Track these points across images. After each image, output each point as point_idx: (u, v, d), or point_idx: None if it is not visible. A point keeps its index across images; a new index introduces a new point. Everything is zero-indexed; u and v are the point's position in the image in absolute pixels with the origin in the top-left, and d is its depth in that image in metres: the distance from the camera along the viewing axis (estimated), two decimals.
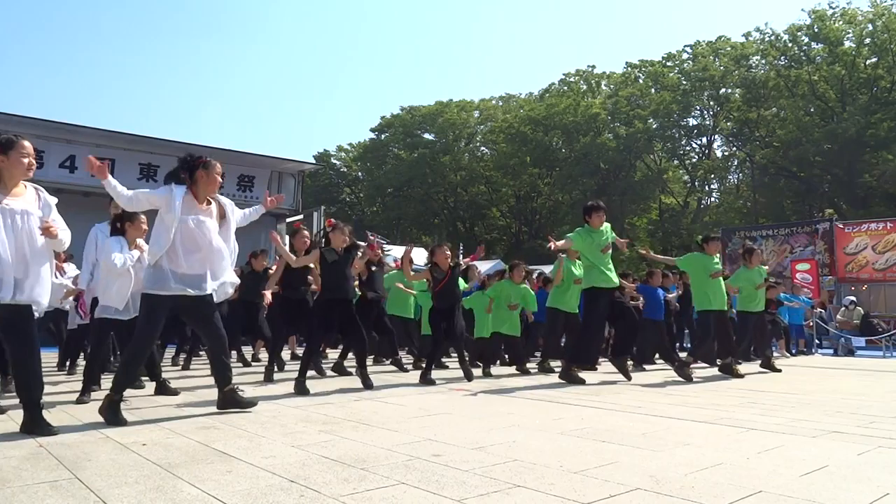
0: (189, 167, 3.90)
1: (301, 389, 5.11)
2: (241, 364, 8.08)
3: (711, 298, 6.93)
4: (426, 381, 5.91)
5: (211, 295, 3.97)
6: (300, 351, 9.61)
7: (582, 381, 6.06)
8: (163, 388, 4.96)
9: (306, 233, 6.78)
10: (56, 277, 4.31)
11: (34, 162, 3.39)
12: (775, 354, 10.32)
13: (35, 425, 3.30)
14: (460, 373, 6.44)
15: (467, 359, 6.62)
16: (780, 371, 7.67)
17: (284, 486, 2.38)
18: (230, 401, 4.08)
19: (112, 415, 3.64)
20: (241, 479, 2.47)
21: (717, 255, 7.20)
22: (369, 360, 6.71)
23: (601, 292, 6.26)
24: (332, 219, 6.14)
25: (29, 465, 2.66)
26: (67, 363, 6.77)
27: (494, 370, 7.19)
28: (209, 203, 4.01)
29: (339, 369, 6.67)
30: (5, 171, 3.28)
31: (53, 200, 3.49)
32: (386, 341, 7.97)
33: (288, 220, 15.19)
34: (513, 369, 7.43)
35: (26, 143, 3.35)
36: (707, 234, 7.44)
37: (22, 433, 3.28)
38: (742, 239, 19.51)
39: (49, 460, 2.76)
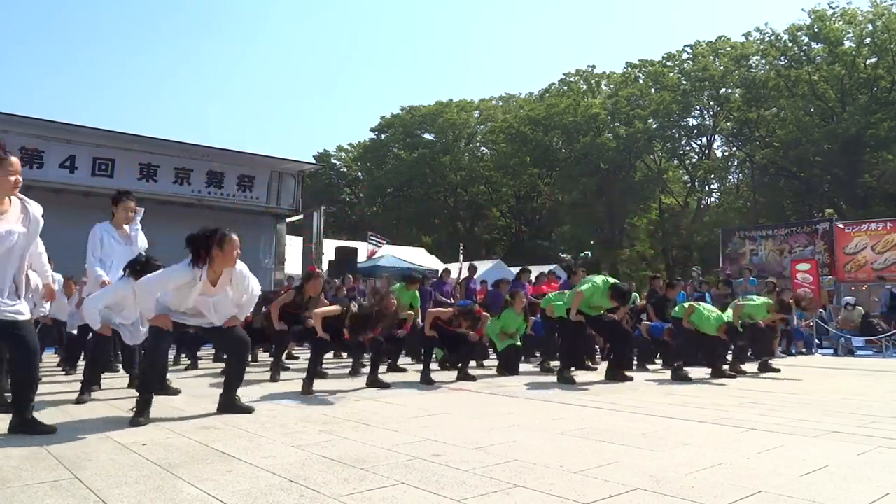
0: (205, 245, 3.77)
1: (307, 390, 5.14)
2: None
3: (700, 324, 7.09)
4: (426, 380, 5.92)
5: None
6: (296, 350, 9.61)
7: (573, 381, 6.07)
8: (163, 388, 4.96)
9: (322, 280, 6.99)
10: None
11: (21, 179, 3.30)
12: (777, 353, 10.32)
13: (27, 426, 3.30)
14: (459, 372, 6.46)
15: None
16: (778, 371, 7.65)
17: (284, 486, 2.38)
18: (230, 405, 4.13)
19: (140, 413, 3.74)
20: (241, 479, 2.47)
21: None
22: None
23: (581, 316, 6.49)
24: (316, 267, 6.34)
25: (29, 465, 2.66)
26: (67, 364, 6.76)
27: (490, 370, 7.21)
28: (219, 284, 3.93)
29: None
30: None
31: (39, 211, 3.39)
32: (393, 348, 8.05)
33: (288, 220, 15.19)
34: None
35: (14, 160, 3.28)
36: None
37: (19, 433, 3.28)
38: (742, 239, 19.51)
39: (49, 460, 2.76)
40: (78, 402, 4.45)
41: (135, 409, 3.72)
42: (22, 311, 3.32)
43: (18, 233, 3.27)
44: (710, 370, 7.00)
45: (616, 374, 6.40)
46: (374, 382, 5.55)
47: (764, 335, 7.93)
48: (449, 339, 6.50)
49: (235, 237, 3.84)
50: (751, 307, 7.67)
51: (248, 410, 4.11)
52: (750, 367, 7.76)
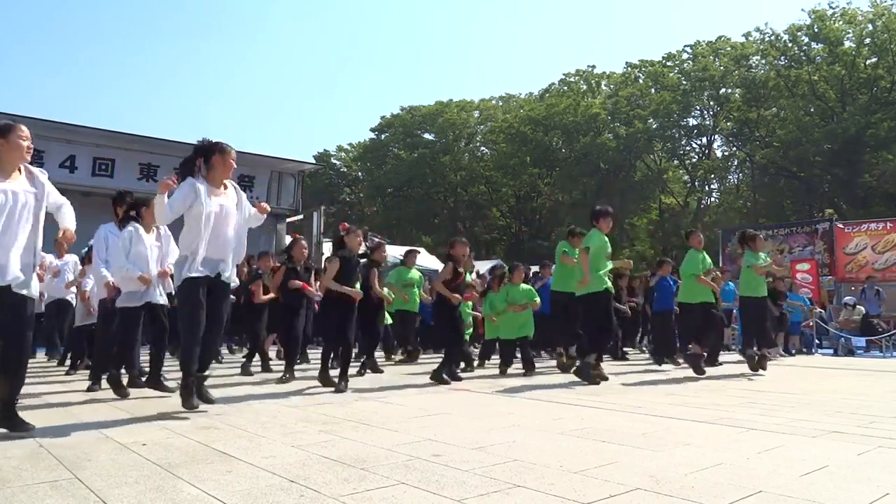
0: (205, 152, 3.99)
1: (326, 381, 5.32)
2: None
3: (696, 292, 7.13)
4: (440, 379, 5.92)
5: (226, 281, 4.08)
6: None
7: (604, 379, 6.05)
8: (158, 385, 4.95)
9: (304, 242, 6.88)
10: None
11: (32, 146, 3.38)
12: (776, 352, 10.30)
13: (9, 423, 3.27)
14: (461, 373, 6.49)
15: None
16: (764, 371, 7.46)
17: (284, 486, 2.38)
18: (195, 389, 4.00)
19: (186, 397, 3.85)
20: (241, 479, 2.47)
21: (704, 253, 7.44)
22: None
23: (599, 296, 6.30)
24: (346, 223, 6.38)
25: (29, 465, 2.66)
26: (68, 362, 6.75)
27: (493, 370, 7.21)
28: (226, 188, 4.10)
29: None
30: (4, 154, 3.28)
31: (44, 175, 3.47)
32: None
33: (288, 220, 15.19)
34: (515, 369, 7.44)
35: (24, 128, 3.36)
36: (688, 230, 7.64)
37: (20, 432, 3.27)
38: None
39: (49, 460, 2.76)
40: (89, 390, 4.72)
41: (185, 392, 3.82)
42: (31, 287, 3.31)
43: (28, 192, 3.31)
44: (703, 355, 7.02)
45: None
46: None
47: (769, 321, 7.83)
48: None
49: (233, 149, 4.09)
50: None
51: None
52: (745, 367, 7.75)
